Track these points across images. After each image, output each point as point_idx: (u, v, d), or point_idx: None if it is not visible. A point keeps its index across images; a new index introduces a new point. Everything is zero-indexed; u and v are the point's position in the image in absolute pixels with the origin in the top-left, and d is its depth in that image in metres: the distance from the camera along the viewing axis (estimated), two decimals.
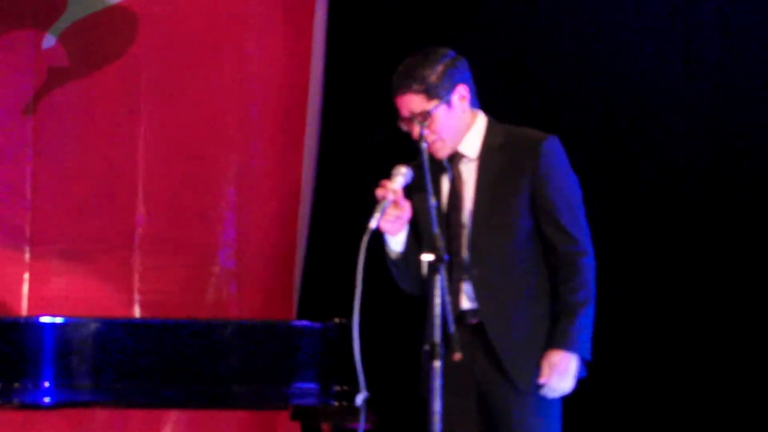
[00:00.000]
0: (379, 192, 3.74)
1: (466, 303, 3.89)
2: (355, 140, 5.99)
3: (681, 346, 5.44)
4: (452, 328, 3.53)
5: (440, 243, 3.57)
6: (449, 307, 3.54)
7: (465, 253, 3.88)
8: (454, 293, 3.83)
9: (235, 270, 6.18)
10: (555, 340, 3.82)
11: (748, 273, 5.38)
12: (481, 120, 3.97)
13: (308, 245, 6.02)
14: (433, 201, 3.68)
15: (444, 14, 5.92)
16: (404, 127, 3.90)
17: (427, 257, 3.56)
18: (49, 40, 6.28)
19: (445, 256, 3.56)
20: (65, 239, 6.22)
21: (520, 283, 3.88)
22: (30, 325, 5.15)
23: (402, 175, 3.76)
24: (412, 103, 3.86)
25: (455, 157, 3.94)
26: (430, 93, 3.85)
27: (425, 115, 3.84)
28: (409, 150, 3.92)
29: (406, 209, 3.78)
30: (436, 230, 3.61)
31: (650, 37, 5.61)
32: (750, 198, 5.44)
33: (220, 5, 6.28)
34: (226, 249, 6.18)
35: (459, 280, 3.87)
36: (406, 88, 3.86)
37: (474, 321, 3.87)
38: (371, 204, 3.77)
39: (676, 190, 5.54)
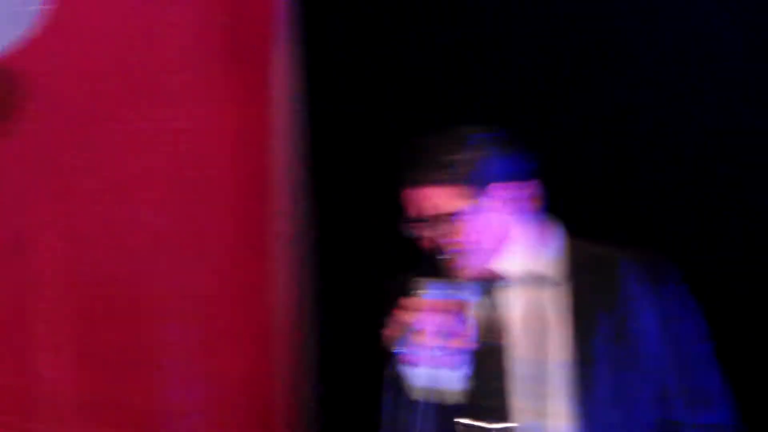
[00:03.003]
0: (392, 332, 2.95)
1: None
2: None
3: None
4: None
5: None
6: None
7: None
8: None
9: None
10: None
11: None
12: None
13: None
14: None
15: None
16: (414, 231, 3.13)
17: None
18: None
19: None
20: None
21: None
22: None
23: (424, 291, 2.96)
24: (437, 197, 3.09)
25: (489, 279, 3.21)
26: (463, 187, 3.10)
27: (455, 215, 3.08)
28: None
29: (463, 336, 2.97)
30: None
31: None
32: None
33: None
34: None
35: None
36: (430, 179, 3.10)
37: None
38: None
39: None
